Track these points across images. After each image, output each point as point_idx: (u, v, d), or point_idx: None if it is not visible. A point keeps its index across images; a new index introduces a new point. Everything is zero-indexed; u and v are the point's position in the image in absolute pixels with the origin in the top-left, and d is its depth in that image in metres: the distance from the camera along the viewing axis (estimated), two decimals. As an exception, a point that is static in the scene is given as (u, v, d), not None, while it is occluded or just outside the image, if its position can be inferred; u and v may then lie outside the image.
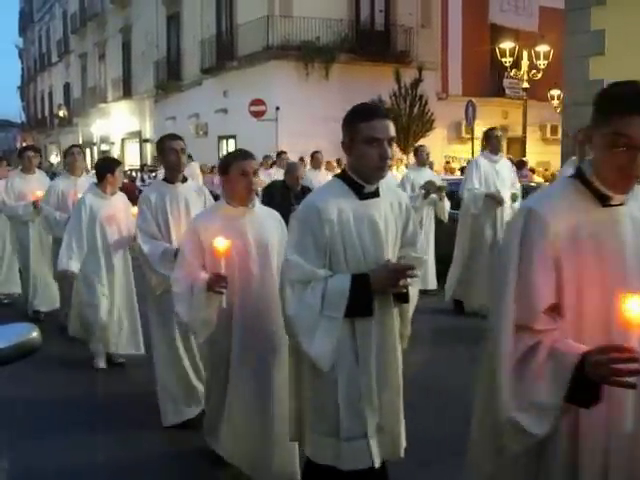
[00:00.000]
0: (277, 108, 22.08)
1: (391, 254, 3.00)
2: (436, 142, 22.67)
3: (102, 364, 6.25)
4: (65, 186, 7.36)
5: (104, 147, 39.51)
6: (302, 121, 21.53)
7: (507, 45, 20.89)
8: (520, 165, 16.36)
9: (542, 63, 20.55)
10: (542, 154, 23.97)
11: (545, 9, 24.20)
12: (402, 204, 3.13)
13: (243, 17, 23.93)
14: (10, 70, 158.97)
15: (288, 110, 21.92)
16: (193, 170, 17.46)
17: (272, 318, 3.68)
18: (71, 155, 7.59)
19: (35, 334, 1.81)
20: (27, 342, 1.79)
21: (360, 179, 2.93)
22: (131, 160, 33.71)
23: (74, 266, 5.94)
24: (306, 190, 6.87)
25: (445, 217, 9.27)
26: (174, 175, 4.86)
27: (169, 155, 4.80)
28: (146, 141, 33.60)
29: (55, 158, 42.81)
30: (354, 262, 2.89)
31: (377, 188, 2.99)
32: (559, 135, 16.45)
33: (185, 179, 4.94)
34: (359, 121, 2.87)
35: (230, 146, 24.21)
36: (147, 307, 5.05)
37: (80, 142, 41.30)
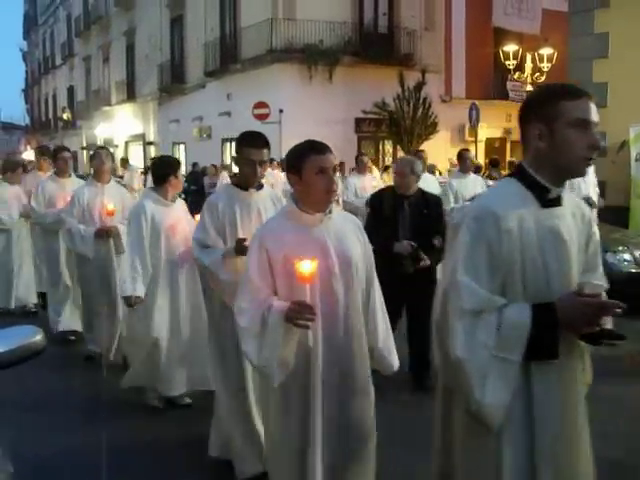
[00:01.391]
0: (281, 111, 22.07)
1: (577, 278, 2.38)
2: (439, 145, 22.65)
3: (158, 403, 5.39)
4: (91, 195, 6.50)
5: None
6: (306, 124, 21.48)
7: (511, 48, 20.87)
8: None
9: (546, 66, 20.52)
10: (546, 157, 23.89)
11: (549, 12, 24.18)
12: (585, 215, 2.49)
13: (247, 20, 23.95)
14: (14, 73, 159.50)
15: (292, 113, 21.91)
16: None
17: (357, 355, 3.03)
18: (97, 158, 6.67)
19: (39, 337, 1.82)
20: (31, 345, 1.79)
21: (545, 180, 2.37)
22: (135, 163, 33.70)
23: (140, 290, 4.99)
24: (430, 197, 5.92)
25: None
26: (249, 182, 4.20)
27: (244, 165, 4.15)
28: (150, 144, 33.63)
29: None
30: (534, 286, 2.29)
31: (560, 194, 2.41)
32: (563, 138, 16.40)
33: (261, 186, 4.22)
34: None
35: (233, 149, 24.19)
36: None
37: (84, 145, 41.41)
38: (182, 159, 28.99)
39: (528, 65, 20.48)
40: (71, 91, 47.34)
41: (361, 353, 3.03)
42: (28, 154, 38.84)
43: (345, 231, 3.05)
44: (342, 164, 15.39)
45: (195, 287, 5.13)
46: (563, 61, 16.05)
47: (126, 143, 37.47)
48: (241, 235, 3.93)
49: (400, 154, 22.67)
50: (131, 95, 35.76)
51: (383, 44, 23.90)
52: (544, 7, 24.90)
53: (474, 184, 8.73)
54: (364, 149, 22.55)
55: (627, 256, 8.51)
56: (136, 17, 34.44)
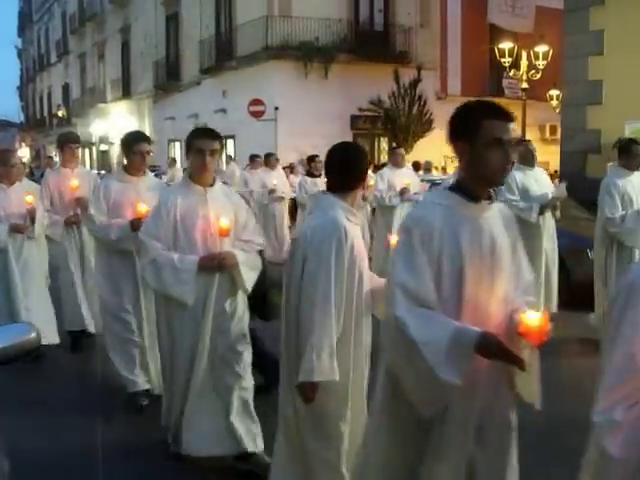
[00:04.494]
0: (276, 108, 22.06)
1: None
2: (435, 142, 22.61)
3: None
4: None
5: (103, 147, 39.49)
6: (301, 121, 21.52)
7: (506, 45, 20.85)
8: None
9: (541, 63, 20.52)
10: (541, 154, 23.67)
11: (544, 9, 24.18)
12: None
13: (242, 17, 23.92)
14: (9, 70, 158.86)
15: (287, 110, 21.90)
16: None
17: None
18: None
19: (34, 334, 1.81)
20: (26, 342, 1.79)
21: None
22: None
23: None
24: None
25: None
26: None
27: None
28: (145, 141, 33.55)
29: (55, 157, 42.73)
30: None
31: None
32: (558, 135, 16.44)
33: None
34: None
35: (229, 146, 24.19)
36: None
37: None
38: (177, 156, 28.98)
39: (524, 62, 20.46)
40: (66, 88, 47.26)
41: None
42: (23, 152, 38.74)
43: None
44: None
45: None
46: (558, 58, 16.06)
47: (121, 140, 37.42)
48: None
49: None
50: (126, 92, 35.71)
51: (378, 41, 23.89)
52: (539, 4, 24.89)
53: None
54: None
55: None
56: (131, 14, 34.38)
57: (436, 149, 22.37)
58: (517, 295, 2.66)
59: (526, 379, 2.56)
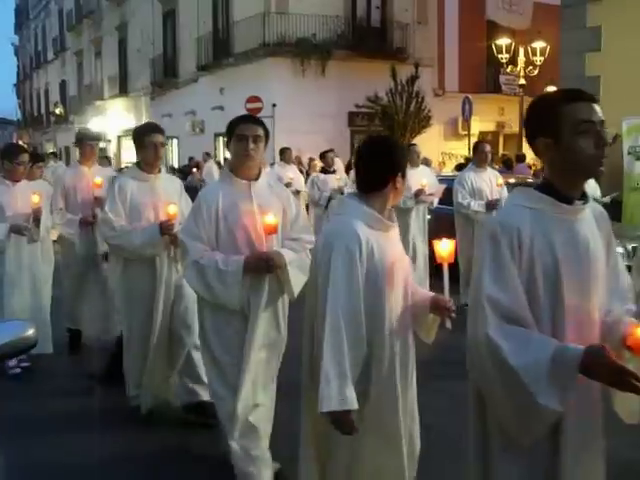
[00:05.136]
0: (274, 105, 22.03)
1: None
2: (432, 139, 22.66)
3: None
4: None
5: (100, 144, 39.38)
6: (299, 118, 21.49)
7: (503, 41, 20.88)
8: (519, 159, 16.38)
9: (538, 59, 20.55)
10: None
11: (541, 5, 24.17)
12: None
13: (239, 14, 23.88)
14: (6, 67, 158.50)
15: (284, 107, 21.88)
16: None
17: None
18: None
19: (31, 332, 1.81)
20: (22, 339, 1.79)
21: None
22: (127, 157, 33.64)
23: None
24: None
25: None
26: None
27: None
28: (142, 138, 33.48)
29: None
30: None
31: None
32: (555, 131, 16.42)
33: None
34: None
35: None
36: None
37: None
38: (175, 153, 28.94)
39: (521, 59, 20.49)
40: (63, 86, 47.15)
41: None
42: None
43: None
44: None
45: None
46: (556, 54, 16.06)
47: (119, 137, 37.35)
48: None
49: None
50: (123, 89, 35.64)
51: (376, 38, 23.87)
52: (537, 0, 24.90)
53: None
54: (357, 143, 22.53)
55: (620, 249, 8.54)
56: (128, 11, 34.31)
57: (434, 146, 22.46)
58: (613, 302, 2.41)
59: (628, 397, 2.22)
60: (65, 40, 45.74)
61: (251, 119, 3.98)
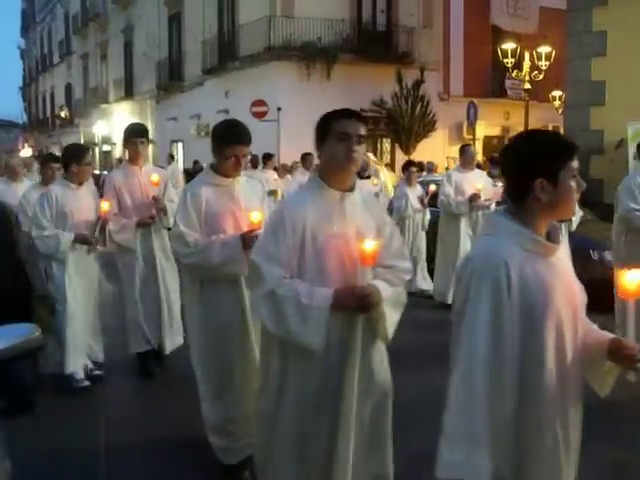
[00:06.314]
0: (279, 109, 22.05)
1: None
2: (437, 143, 22.67)
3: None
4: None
5: (106, 148, 39.51)
6: (304, 122, 21.30)
7: (509, 46, 20.86)
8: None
9: (544, 64, 20.53)
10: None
11: (547, 10, 24.18)
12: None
13: (245, 17, 23.93)
14: (12, 71, 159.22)
15: (290, 111, 21.89)
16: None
17: None
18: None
19: (37, 334, 1.81)
20: (29, 342, 1.79)
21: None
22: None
23: None
24: None
25: None
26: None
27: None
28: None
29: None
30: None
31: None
32: (561, 136, 16.42)
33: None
34: None
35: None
36: None
37: (82, 143, 41.39)
38: (180, 156, 28.96)
39: (526, 63, 20.47)
40: (69, 89, 47.31)
41: None
42: (25, 152, 38.74)
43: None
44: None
45: None
46: (561, 59, 16.04)
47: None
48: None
49: (398, 152, 22.69)
50: (129, 93, 35.73)
51: (381, 42, 23.87)
52: (542, 5, 24.89)
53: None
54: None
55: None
56: (134, 15, 34.41)
57: (439, 150, 22.45)
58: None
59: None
60: (71, 43, 45.90)
61: (354, 114, 3.09)
